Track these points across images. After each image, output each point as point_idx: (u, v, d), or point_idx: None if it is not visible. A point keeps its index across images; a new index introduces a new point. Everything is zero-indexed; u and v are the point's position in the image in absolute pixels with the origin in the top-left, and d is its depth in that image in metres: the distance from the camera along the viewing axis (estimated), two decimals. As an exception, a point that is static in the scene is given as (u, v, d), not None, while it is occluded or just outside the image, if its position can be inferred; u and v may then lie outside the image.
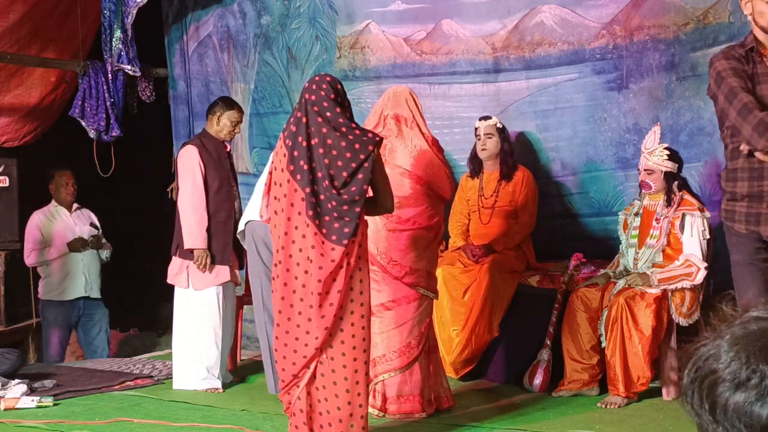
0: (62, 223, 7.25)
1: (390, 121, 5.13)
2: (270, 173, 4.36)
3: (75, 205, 7.35)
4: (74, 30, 7.43)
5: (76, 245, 7.16)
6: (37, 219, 7.21)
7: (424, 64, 6.98)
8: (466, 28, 6.84)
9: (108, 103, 7.52)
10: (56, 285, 7.18)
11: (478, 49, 6.80)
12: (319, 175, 4.14)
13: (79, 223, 7.31)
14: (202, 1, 7.76)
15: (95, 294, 7.27)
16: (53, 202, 7.29)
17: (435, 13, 6.93)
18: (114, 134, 7.56)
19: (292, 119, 4.29)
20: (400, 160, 5.05)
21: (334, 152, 4.14)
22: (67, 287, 7.17)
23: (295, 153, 4.17)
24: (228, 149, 6.11)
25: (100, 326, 7.33)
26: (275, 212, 4.26)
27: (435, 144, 5.20)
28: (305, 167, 4.13)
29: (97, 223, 7.39)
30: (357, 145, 4.15)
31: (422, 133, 5.14)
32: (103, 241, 7.35)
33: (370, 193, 4.30)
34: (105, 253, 7.36)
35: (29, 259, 7.20)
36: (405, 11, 7.03)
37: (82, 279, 7.20)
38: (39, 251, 7.14)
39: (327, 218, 4.12)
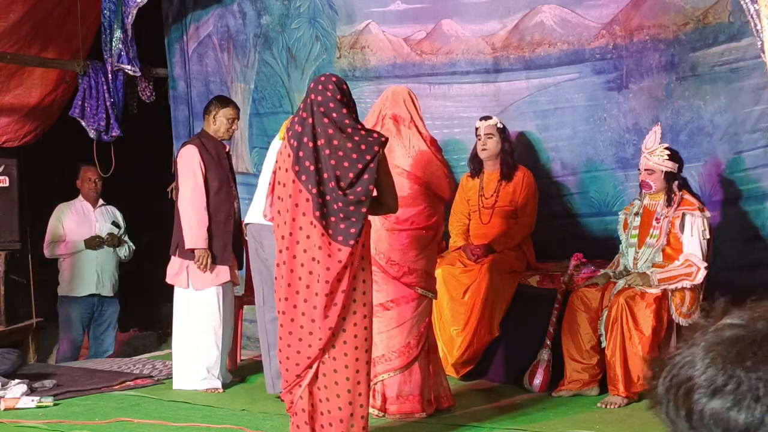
0: (83, 218, 7.29)
1: (388, 122, 5.12)
2: (273, 173, 4.35)
3: (100, 201, 7.39)
4: (74, 30, 7.42)
5: (92, 243, 7.19)
6: (59, 212, 7.27)
7: (424, 64, 6.97)
8: (466, 28, 6.83)
9: (108, 103, 7.51)
10: (69, 280, 7.21)
11: (478, 49, 6.80)
12: (325, 175, 4.13)
13: (101, 219, 7.35)
14: (202, 1, 7.76)
15: (107, 292, 7.29)
16: (79, 197, 7.36)
17: (435, 13, 6.93)
18: (114, 134, 7.56)
19: (296, 119, 4.28)
20: (398, 160, 5.05)
21: (341, 153, 4.13)
22: (78, 284, 7.21)
23: (301, 153, 4.16)
24: (227, 149, 6.11)
25: (109, 323, 7.37)
26: (278, 212, 4.26)
27: (433, 144, 5.20)
28: (311, 168, 4.13)
29: (120, 222, 7.43)
30: (363, 146, 4.15)
31: (420, 134, 5.13)
32: (125, 238, 7.39)
33: (375, 194, 4.30)
34: (123, 252, 7.39)
35: (47, 250, 7.24)
36: (405, 11, 7.03)
37: (94, 276, 7.22)
38: (58, 244, 7.19)
39: (333, 219, 4.12)
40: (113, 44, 7.35)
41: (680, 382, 1.07)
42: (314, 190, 4.11)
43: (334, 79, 4.31)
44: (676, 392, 1.07)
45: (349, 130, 4.17)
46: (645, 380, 1.16)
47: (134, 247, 7.48)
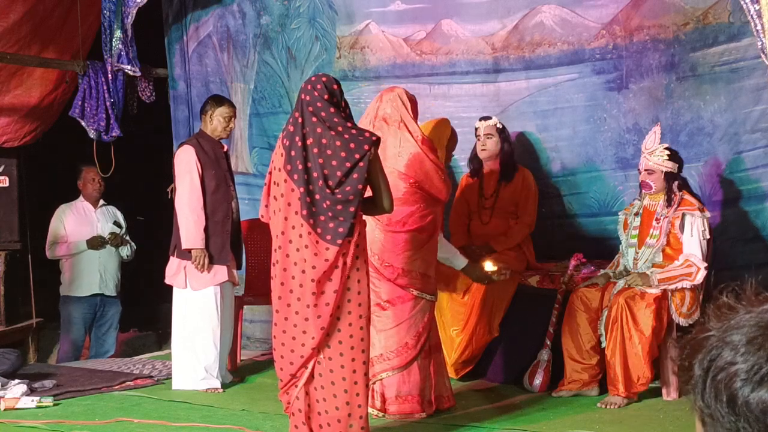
0: (84, 218, 7.28)
1: (379, 123, 5.10)
2: (269, 173, 4.37)
3: (101, 202, 7.39)
4: (74, 30, 7.42)
5: (95, 243, 7.19)
6: (60, 212, 7.26)
7: (424, 64, 6.97)
8: (466, 28, 6.83)
9: (108, 103, 7.51)
10: (71, 281, 7.21)
11: (478, 49, 6.80)
12: (314, 174, 4.15)
13: (102, 219, 7.34)
14: (202, 2, 7.76)
15: (110, 291, 7.28)
16: (80, 197, 7.35)
17: (435, 13, 6.93)
18: (114, 134, 7.56)
19: (290, 119, 4.33)
20: (389, 161, 5.02)
21: (329, 152, 4.16)
22: (81, 283, 7.20)
23: (292, 153, 4.19)
24: (225, 149, 6.12)
25: (111, 323, 7.36)
26: (274, 212, 4.28)
27: (425, 143, 5.15)
28: (300, 167, 4.16)
29: (122, 222, 7.42)
30: (352, 145, 4.17)
31: (411, 134, 5.11)
32: (126, 238, 7.38)
33: (370, 193, 4.30)
34: (125, 251, 7.38)
35: (48, 252, 7.23)
36: (405, 11, 7.03)
37: (97, 276, 7.21)
38: (59, 245, 7.19)
39: (322, 218, 4.13)
40: (113, 44, 7.35)
41: (721, 367, 1.00)
42: (302, 189, 4.13)
43: (324, 79, 4.34)
44: (715, 377, 1.01)
45: (340, 128, 4.19)
46: (677, 360, 1.05)
47: (135, 247, 7.47)
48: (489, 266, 5.67)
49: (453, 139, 5.58)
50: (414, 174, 5.06)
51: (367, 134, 4.24)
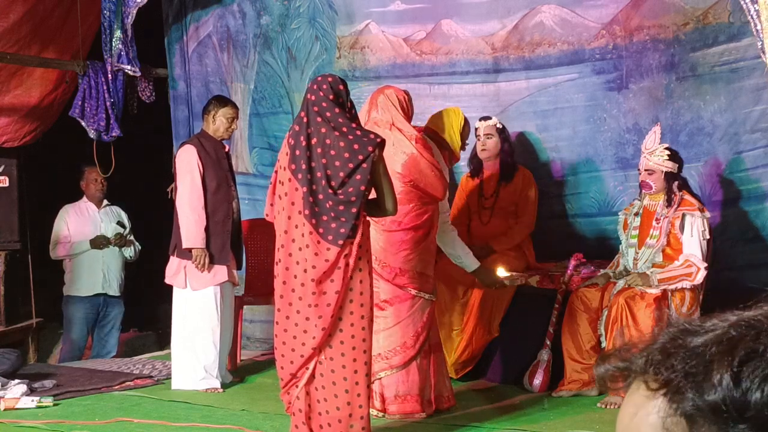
0: (88, 219, 7.28)
1: (371, 126, 5.09)
2: (275, 172, 4.38)
3: (105, 202, 7.38)
4: (74, 30, 7.42)
5: (98, 242, 7.18)
6: (63, 213, 7.26)
7: (424, 64, 6.97)
8: (466, 28, 6.83)
9: (108, 103, 7.50)
10: (74, 280, 7.20)
11: (478, 49, 6.80)
12: (318, 174, 4.15)
13: (106, 220, 7.34)
14: (202, 2, 7.76)
15: (113, 291, 7.28)
16: (84, 197, 7.35)
17: (435, 13, 6.93)
18: (114, 134, 7.55)
19: (296, 119, 4.34)
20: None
21: (333, 152, 4.16)
22: (83, 283, 7.19)
23: (297, 152, 4.20)
24: (226, 149, 6.12)
25: (113, 323, 7.36)
26: (278, 211, 4.28)
27: (419, 142, 5.12)
28: (304, 166, 4.16)
29: (126, 222, 7.41)
30: (356, 146, 4.16)
31: (405, 135, 5.09)
32: (130, 238, 7.38)
33: (374, 195, 4.30)
34: (129, 252, 7.37)
35: (52, 253, 7.23)
36: (405, 11, 7.03)
37: (100, 276, 7.21)
38: (61, 245, 7.18)
39: (324, 218, 4.13)
40: (113, 44, 7.34)
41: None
42: (305, 189, 4.14)
43: (330, 79, 4.34)
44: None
45: (344, 129, 4.19)
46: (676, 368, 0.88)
47: (140, 248, 7.47)
48: (502, 272, 5.67)
49: (466, 126, 5.53)
50: (410, 173, 5.06)
51: (371, 136, 4.24)
